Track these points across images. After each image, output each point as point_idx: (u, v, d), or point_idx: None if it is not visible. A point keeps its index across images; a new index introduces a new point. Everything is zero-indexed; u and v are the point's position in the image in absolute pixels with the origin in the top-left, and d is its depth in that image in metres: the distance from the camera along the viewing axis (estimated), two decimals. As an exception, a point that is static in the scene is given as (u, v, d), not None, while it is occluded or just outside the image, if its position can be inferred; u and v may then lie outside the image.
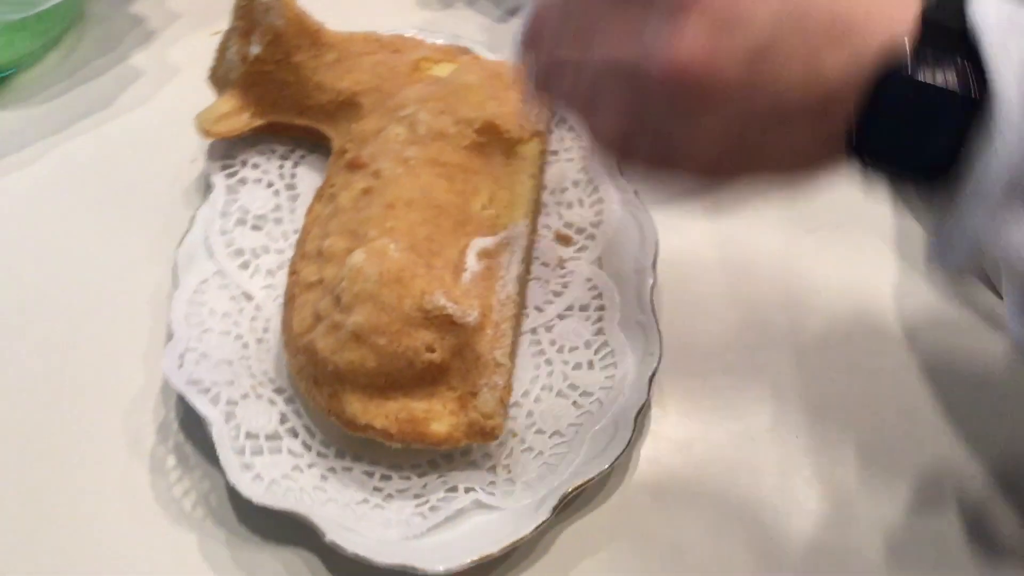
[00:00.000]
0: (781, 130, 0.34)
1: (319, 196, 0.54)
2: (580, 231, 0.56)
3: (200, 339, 0.50)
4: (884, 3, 0.34)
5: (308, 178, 0.58)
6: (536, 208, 0.55)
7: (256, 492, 0.45)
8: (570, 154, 0.59)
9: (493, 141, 0.54)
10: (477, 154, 0.53)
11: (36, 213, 0.61)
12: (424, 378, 0.46)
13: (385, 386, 0.46)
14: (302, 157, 0.59)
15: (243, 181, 0.58)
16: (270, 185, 0.58)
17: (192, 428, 0.49)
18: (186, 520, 0.47)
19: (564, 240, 0.56)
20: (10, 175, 0.63)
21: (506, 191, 0.53)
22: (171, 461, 0.49)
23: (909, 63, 0.32)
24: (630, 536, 0.47)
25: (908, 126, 0.33)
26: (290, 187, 0.58)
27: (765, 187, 0.37)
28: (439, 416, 0.46)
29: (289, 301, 0.50)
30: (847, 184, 0.37)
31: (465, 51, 0.61)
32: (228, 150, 0.59)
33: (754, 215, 0.51)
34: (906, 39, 0.33)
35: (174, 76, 0.69)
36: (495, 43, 0.65)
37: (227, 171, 0.58)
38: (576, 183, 0.58)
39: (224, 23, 0.60)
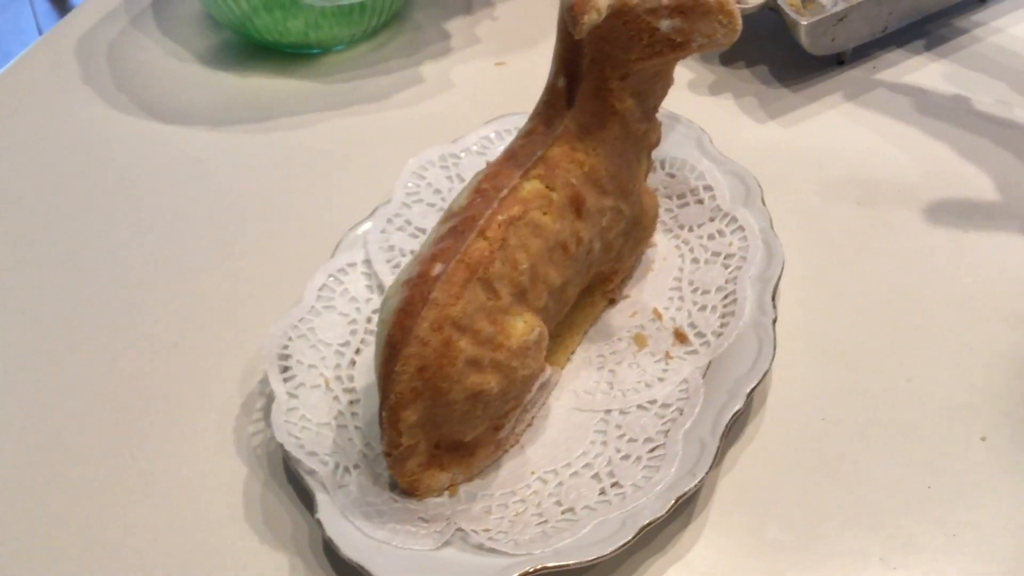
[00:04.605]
0: None
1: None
2: (700, 335, 0.56)
3: (319, 314, 0.57)
4: None
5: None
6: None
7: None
8: (729, 261, 0.59)
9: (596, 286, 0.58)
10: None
11: (285, 168, 0.71)
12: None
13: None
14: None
15: (419, 201, 0.64)
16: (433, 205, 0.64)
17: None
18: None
19: (681, 338, 0.56)
20: (285, 132, 0.74)
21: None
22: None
23: None
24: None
25: None
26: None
27: None
28: None
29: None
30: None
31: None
32: (421, 170, 0.65)
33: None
34: None
35: (444, 92, 0.77)
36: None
37: (407, 190, 0.64)
38: (720, 290, 0.58)
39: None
